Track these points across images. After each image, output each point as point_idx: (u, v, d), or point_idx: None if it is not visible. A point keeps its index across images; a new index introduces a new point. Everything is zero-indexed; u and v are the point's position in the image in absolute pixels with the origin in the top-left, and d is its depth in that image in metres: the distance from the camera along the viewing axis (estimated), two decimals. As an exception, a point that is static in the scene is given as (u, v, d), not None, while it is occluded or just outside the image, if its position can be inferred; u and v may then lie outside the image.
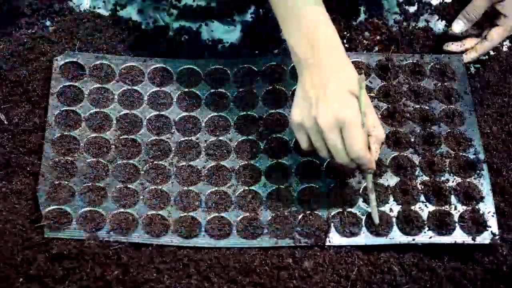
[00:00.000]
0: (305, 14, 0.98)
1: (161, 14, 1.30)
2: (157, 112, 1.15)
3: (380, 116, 1.15)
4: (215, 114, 1.16)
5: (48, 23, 1.26)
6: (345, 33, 1.26)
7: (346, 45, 1.25)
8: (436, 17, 1.30)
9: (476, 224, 1.05)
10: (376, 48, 1.26)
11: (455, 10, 1.29)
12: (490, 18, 1.21)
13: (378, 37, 1.27)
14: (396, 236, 1.04)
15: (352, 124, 0.94)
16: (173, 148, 1.12)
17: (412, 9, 1.30)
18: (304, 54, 0.97)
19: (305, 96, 0.97)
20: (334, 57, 0.98)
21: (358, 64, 1.19)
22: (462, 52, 1.22)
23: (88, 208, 1.05)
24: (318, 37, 0.97)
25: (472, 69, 1.23)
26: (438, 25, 1.29)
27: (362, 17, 1.29)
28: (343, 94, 0.95)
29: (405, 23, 1.28)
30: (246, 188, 1.09)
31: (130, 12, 1.30)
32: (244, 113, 1.16)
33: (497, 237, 1.04)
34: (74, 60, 1.18)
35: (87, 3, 1.29)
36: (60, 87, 1.15)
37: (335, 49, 0.98)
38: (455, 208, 1.06)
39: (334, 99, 0.95)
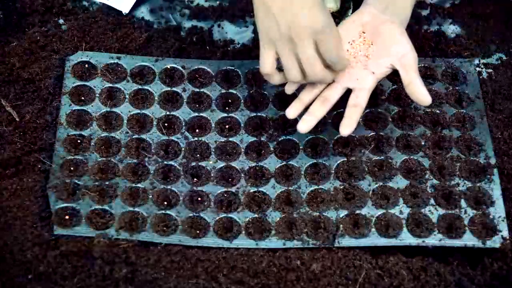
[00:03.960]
0: None
1: (173, 14, 1.30)
2: (168, 112, 1.15)
3: (390, 119, 1.15)
4: (226, 115, 1.16)
5: (61, 21, 1.27)
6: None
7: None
8: (449, 20, 1.29)
9: (486, 228, 1.05)
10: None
11: (468, 14, 1.29)
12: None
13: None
14: (406, 238, 1.04)
15: (327, 31, 0.94)
16: (183, 149, 1.12)
17: (424, 12, 1.30)
18: None
19: (266, 12, 0.95)
20: None
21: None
22: None
23: (97, 206, 1.05)
24: None
25: (484, 74, 1.22)
26: (450, 29, 1.28)
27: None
28: (309, 2, 0.94)
29: (417, 27, 1.27)
30: (255, 189, 1.09)
31: (143, 12, 1.30)
32: (255, 114, 1.16)
33: (507, 242, 1.03)
34: (86, 59, 1.19)
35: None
36: (72, 86, 1.16)
37: None
38: (465, 212, 1.06)
39: (303, 12, 0.93)
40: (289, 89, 1.07)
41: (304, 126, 1.06)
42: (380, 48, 1.06)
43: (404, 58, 1.04)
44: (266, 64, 0.99)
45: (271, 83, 1.04)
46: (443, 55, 1.24)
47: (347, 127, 1.04)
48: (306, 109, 1.07)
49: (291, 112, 1.07)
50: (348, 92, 1.06)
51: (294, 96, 1.16)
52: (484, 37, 1.26)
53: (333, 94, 1.06)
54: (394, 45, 1.05)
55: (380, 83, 1.17)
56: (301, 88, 1.07)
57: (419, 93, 1.04)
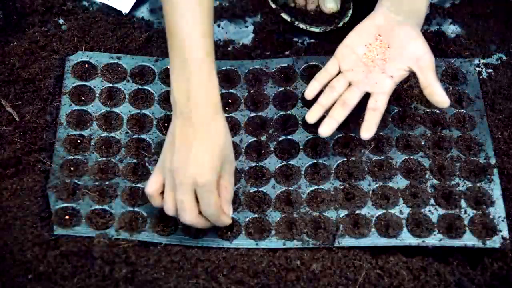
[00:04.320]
0: (194, 65, 0.95)
1: (173, 14, 1.30)
2: (168, 112, 1.15)
3: (390, 119, 1.15)
4: (226, 115, 1.16)
5: (61, 21, 1.27)
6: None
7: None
8: (449, 20, 1.29)
9: (486, 228, 1.05)
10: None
11: (468, 14, 1.29)
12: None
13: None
14: (406, 238, 1.04)
15: (207, 188, 0.94)
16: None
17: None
18: (180, 101, 0.95)
19: (172, 142, 0.96)
20: (207, 115, 0.95)
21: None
22: None
23: (97, 206, 1.05)
24: (197, 93, 0.94)
25: (484, 74, 1.22)
26: (450, 29, 1.28)
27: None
28: (205, 156, 0.94)
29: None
30: (255, 189, 1.09)
31: (143, 12, 1.30)
32: (255, 114, 1.16)
33: (507, 242, 1.03)
34: (86, 59, 1.19)
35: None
36: (72, 86, 1.16)
37: (211, 106, 0.96)
38: (465, 212, 1.06)
39: (194, 161, 0.94)
40: (312, 118, 1.08)
41: (326, 129, 1.06)
42: (397, 51, 1.06)
43: (421, 60, 1.04)
44: (150, 186, 0.99)
45: (152, 204, 1.02)
46: (443, 55, 1.23)
47: (367, 131, 1.05)
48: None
49: (312, 116, 1.07)
50: (366, 96, 1.07)
51: (295, 96, 1.17)
52: (484, 37, 1.26)
53: (352, 98, 1.06)
54: (410, 48, 1.05)
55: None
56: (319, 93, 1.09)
57: (437, 95, 1.04)
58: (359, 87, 1.06)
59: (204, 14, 0.96)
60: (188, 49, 0.95)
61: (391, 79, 1.06)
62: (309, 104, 1.12)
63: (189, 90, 0.94)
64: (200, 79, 0.95)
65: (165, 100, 1.17)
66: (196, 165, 0.94)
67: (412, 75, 1.07)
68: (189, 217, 0.97)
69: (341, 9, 1.26)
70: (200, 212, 0.97)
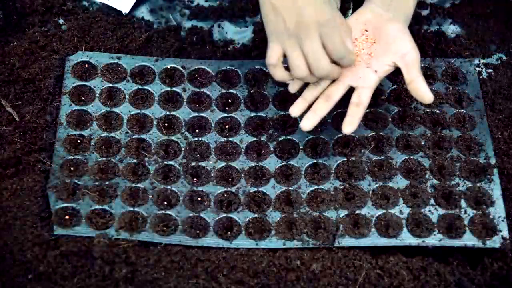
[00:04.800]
0: None
1: (173, 14, 1.30)
2: (168, 112, 1.15)
3: (390, 119, 1.15)
4: (226, 115, 1.16)
5: (61, 21, 1.27)
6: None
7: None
8: (449, 20, 1.29)
9: (486, 228, 1.05)
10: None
11: (468, 14, 1.29)
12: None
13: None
14: (406, 238, 1.04)
15: (332, 24, 0.95)
16: (183, 149, 1.12)
17: (424, 12, 1.30)
18: None
19: (272, 4, 0.96)
20: None
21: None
22: None
23: (97, 206, 1.05)
24: None
25: (484, 74, 1.22)
26: (450, 29, 1.28)
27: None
28: (316, 3, 0.95)
29: (417, 27, 1.27)
30: (255, 189, 1.09)
31: (143, 12, 1.30)
32: (255, 114, 1.16)
33: (507, 242, 1.03)
34: (86, 59, 1.19)
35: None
36: (72, 86, 1.16)
37: None
38: (465, 212, 1.06)
39: (307, 4, 0.95)
40: (293, 88, 1.07)
41: (307, 123, 1.06)
42: (383, 46, 1.06)
43: (406, 56, 1.04)
44: (272, 56, 1.00)
45: (274, 77, 1.04)
46: (443, 55, 1.23)
47: (349, 125, 1.05)
48: (309, 107, 1.07)
49: (295, 110, 1.07)
50: (350, 90, 1.06)
51: (295, 96, 1.16)
52: (484, 37, 1.26)
53: (336, 92, 1.06)
54: (396, 43, 1.05)
55: (380, 83, 1.17)
56: (303, 88, 1.07)
57: (421, 91, 1.04)
58: (343, 81, 1.06)
59: None
60: None
61: (375, 74, 1.06)
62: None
63: None
64: None
65: (165, 100, 1.17)
66: (311, 9, 0.95)
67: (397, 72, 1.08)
68: (325, 65, 0.98)
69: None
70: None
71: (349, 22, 1.07)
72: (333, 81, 1.06)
